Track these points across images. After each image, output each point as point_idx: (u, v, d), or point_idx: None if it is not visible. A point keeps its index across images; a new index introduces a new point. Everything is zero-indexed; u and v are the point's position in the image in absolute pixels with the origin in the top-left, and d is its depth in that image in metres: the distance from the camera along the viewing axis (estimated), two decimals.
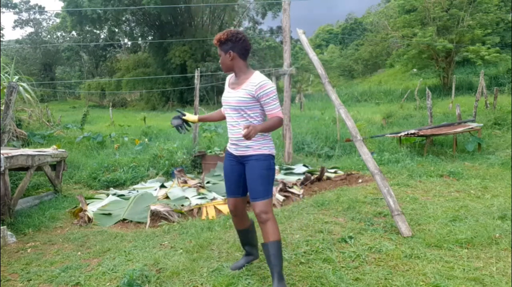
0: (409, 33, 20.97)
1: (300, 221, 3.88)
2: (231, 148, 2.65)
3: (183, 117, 2.83)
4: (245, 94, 2.47)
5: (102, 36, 40.72)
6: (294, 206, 4.53)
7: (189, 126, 2.89)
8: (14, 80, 9.82)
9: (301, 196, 5.08)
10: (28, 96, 10.28)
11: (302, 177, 5.86)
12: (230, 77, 2.68)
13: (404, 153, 7.15)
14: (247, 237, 2.87)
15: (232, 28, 37.32)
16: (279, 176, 5.98)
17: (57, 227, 4.24)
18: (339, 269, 2.79)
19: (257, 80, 2.44)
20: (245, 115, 2.51)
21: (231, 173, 2.67)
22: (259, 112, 2.52)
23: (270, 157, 2.57)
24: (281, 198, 4.89)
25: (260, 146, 2.54)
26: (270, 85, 2.46)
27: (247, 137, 2.23)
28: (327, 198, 4.73)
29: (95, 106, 36.22)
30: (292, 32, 9.04)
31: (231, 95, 2.55)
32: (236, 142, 2.56)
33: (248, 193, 2.62)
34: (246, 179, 2.57)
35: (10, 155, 4.30)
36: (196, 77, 8.05)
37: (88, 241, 3.74)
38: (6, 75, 10.08)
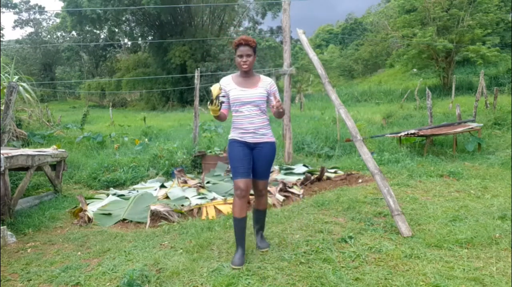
0: (409, 33, 20.96)
1: (300, 221, 3.88)
2: (245, 137, 3.02)
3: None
4: (264, 91, 3.02)
5: (102, 36, 40.73)
6: (294, 206, 4.53)
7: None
8: (14, 80, 9.82)
9: (301, 196, 5.08)
10: (28, 96, 10.28)
11: (302, 177, 5.86)
12: (230, 79, 3.06)
13: (404, 153, 7.15)
14: (244, 227, 3.05)
15: (232, 28, 37.47)
16: (279, 176, 5.98)
17: (57, 227, 4.24)
18: (339, 269, 2.79)
19: (269, 80, 3.10)
20: (262, 107, 3.03)
21: (245, 157, 3.00)
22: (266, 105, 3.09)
23: (275, 145, 3.18)
24: (281, 198, 4.89)
25: (271, 135, 3.11)
26: (275, 84, 3.14)
27: (281, 107, 2.88)
28: (327, 198, 4.73)
29: (95, 106, 36.23)
30: (292, 32, 9.04)
31: (249, 93, 2.98)
32: (255, 131, 3.01)
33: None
34: (258, 163, 3.05)
35: (10, 155, 4.30)
36: (196, 77, 8.05)
37: (88, 241, 3.74)
38: (6, 75, 10.08)
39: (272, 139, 3.10)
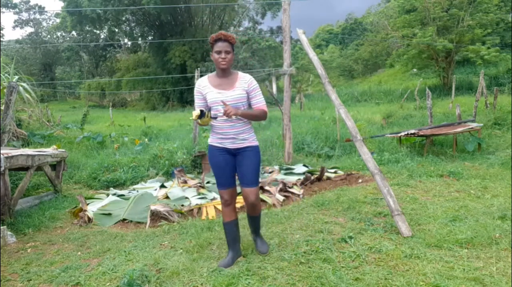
0: (409, 33, 20.96)
1: (300, 221, 3.88)
2: (224, 143, 2.86)
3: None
4: (242, 91, 2.79)
5: (102, 36, 40.72)
6: (294, 206, 4.53)
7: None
8: (14, 80, 9.82)
9: (301, 196, 5.08)
10: (28, 96, 10.28)
11: (302, 177, 5.86)
12: (206, 80, 2.85)
13: (404, 153, 7.14)
14: (235, 229, 3.03)
15: (232, 28, 37.45)
16: (279, 176, 5.98)
17: (57, 227, 4.24)
18: (339, 269, 2.79)
19: (247, 77, 2.84)
20: (243, 108, 2.80)
21: (226, 166, 2.89)
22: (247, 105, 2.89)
23: (259, 149, 2.99)
24: (281, 198, 4.89)
25: (253, 138, 2.92)
26: (255, 82, 2.89)
27: (227, 113, 2.58)
28: (327, 198, 4.73)
29: (95, 106, 36.23)
30: (292, 32, 9.04)
31: (227, 95, 2.76)
32: (235, 136, 2.82)
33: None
34: (242, 169, 2.87)
35: (10, 155, 4.30)
36: (196, 77, 8.06)
37: (88, 241, 3.74)
38: (6, 75, 10.08)
39: (255, 143, 2.91)
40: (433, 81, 22.92)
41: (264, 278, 2.70)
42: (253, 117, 2.82)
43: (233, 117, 2.66)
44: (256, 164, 2.89)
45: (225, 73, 2.81)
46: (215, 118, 2.75)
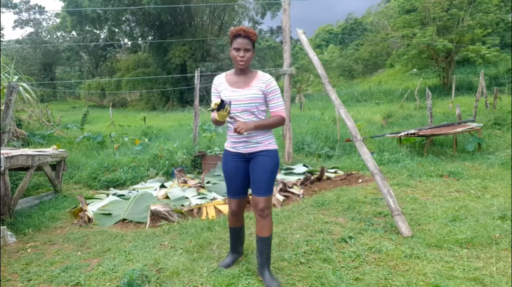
0: (409, 33, 20.97)
1: (300, 221, 3.88)
2: (237, 147, 2.62)
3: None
4: (258, 91, 2.56)
5: (102, 36, 40.74)
6: (294, 206, 4.53)
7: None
8: (14, 80, 9.82)
9: (301, 196, 5.08)
10: (28, 96, 10.27)
11: (302, 177, 5.86)
12: (223, 77, 2.68)
13: (404, 153, 7.14)
14: (240, 235, 2.93)
15: (232, 28, 37.42)
16: (279, 176, 5.99)
17: (57, 227, 4.24)
18: (339, 269, 2.79)
19: (266, 77, 2.59)
20: (256, 111, 2.58)
21: (237, 174, 2.66)
22: (265, 108, 2.64)
23: (277, 153, 2.67)
24: (281, 198, 4.89)
25: (270, 141, 2.63)
26: (275, 83, 2.63)
27: (238, 131, 2.40)
28: (327, 198, 4.73)
29: (95, 106, 36.24)
30: (292, 32, 9.04)
31: (241, 94, 2.55)
32: (246, 139, 2.58)
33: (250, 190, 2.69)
34: (253, 175, 2.59)
35: (10, 155, 4.30)
36: (196, 77, 8.05)
37: (88, 241, 3.74)
38: (6, 75, 10.07)
39: (271, 147, 2.62)
40: (433, 81, 22.92)
41: None
42: (270, 126, 2.58)
43: (245, 133, 2.46)
44: (270, 170, 2.58)
45: (243, 71, 2.61)
46: (231, 117, 2.54)
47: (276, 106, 2.60)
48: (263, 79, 2.58)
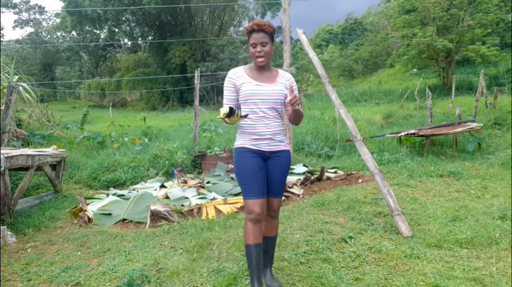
0: (409, 33, 20.97)
1: (300, 221, 3.88)
2: (259, 145, 2.43)
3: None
4: (283, 88, 2.44)
5: (102, 36, 40.72)
6: (294, 206, 4.53)
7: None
8: (14, 80, 9.82)
9: (301, 196, 5.08)
10: (28, 96, 10.27)
11: (302, 177, 5.86)
12: (242, 70, 2.46)
13: (404, 153, 7.15)
14: (259, 256, 2.41)
15: (232, 28, 37.47)
16: None
17: (57, 227, 4.24)
18: (339, 269, 2.79)
19: (289, 76, 2.51)
20: (279, 109, 2.48)
21: (259, 171, 2.41)
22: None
23: None
24: None
25: (286, 141, 2.56)
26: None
27: (295, 102, 2.27)
28: (327, 198, 4.73)
29: (95, 106, 36.23)
30: (292, 32, 9.02)
31: (268, 89, 2.39)
32: (271, 136, 2.43)
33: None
34: (273, 176, 2.47)
35: (10, 155, 4.30)
36: (196, 77, 8.05)
37: (88, 241, 3.74)
38: (6, 75, 10.07)
39: (288, 147, 2.57)
40: (433, 81, 22.92)
41: None
42: (300, 117, 2.51)
43: (296, 106, 2.34)
44: (287, 172, 2.56)
45: (263, 68, 2.45)
46: (245, 116, 2.28)
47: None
48: (286, 77, 2.49)
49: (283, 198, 4.91)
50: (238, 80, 2.41)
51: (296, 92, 2.41)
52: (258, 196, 2.36)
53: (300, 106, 2.40)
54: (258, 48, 2.36)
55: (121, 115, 23.27)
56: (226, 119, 2.19)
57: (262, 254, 2.46)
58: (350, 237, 3.33)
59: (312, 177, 5.77)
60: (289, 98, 2.31)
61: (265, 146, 2.44)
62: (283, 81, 2.46)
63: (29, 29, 57.36)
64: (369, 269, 2.77)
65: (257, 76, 2.43)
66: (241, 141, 2.47)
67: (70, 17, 31.48)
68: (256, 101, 2.38)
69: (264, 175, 2.43)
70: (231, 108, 2.17)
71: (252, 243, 2.33)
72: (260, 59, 2.37)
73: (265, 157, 2.47)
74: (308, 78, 30.15)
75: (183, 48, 30.66)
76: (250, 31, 2.37)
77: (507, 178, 5.41)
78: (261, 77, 2.42)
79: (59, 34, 46.86)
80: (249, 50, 2.43)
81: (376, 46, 31.75)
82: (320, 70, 4.32)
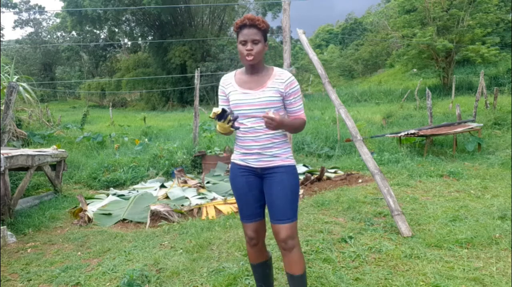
0: (409, 33, 20.97)
1: (300, 221, 3.88)
2: (247, 160, 2.12)
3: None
4: (275, 93, 2.05)
5: (102, 36, 40.77)
6: None
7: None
8: (14, 80, 9.82)
9: (301, 196, 5.08)
10: (28, 96, 10.27)
11: (302, 177, 5.86)
12: (232, 76, 2.18)
13: (404, 153, 7.15)
14: (265, 274, 2.30)
15: (232, 28, 37.39)
16: None
17: (57, 227, 4.24)
18: (339, 269, 2.79)
19: (285, 76, 2.07)
20: None
21: (249, 191, 2.14)
22: (284, 113, 2.15)
23: (297, 170, 2.17)
24: None
25: (288, 155, 2.12)
26: (296, 83, 2.11)
27: (270, 125, 1.92)
28: (327, 198, 4.73)
29: (95, 106, 36.26)
30: (292, 32, 9.01)
31: (254, 97, 2.05)
32: (260, 151, 2.08)
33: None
34: (271, 197, 2.09)
35: (10, 155, 4.30)
36: (196, 77, 8.05)
37: (88, 241, 3.74)
38: (6, 75, 10.07)
39: (289, 161, 2.11)
40: (433, 81, 22.92)
41: None
42: (296, 129, 2.13)
43: (275, 130, 2.01)
44: (291, 190, 2.08)
45: (254, 69, 2.10)
46: (236, 128, 2.05)
47: (297, 110, 2.14)
48: (281, 78, 2.06)
49: None
50: (227, 88, 2.17)
51: (297, 96, 2.08)
52: (250, 219, 2.17)
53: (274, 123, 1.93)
54: (249, 46, 2.01)
55: (121, 115, 23.28)
56: (217, 121, 2.00)
57: (269, 272, 2.33)
58: (350, 237, 3.33)
59: (312, 177, 5.77)
60: (264, 114, 1.94)
61: (253, 162, 2.11)
62: (277, 84, 2.05)
63: (29, 29, 57.38)
64: (369, 269, 2.77)
65: (245, 82, 2.11)
66: (233, 155, 2.23)
67: (70, 17, 31.51)
68: (243, 111, 2.07)
69: (255, 196, 2.15)
70: (224, 110, 1.97)
71: (252, 262, 2.27)
72: (249, 58, 2.01)
73: (258, 174, 2.14)
74: (308, 78, 30.17)
75: (183, 48, 30.68)
76: (240, 27, 2.04)
77: (507, 178, 5.41)
78: (249, 83, 2.10)
79: (59, 34, 46.87)
80: (238, 48, 2.08)
81: (376, 46, 31.76)
82: (320, 70, 4.32)
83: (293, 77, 2.10)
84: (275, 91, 2.05)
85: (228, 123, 1.99)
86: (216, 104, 27.55)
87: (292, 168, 2.12)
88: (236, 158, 2.20)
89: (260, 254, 2.24)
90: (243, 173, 2.15)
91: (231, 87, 2.14)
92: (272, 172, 2.09)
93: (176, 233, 3.79)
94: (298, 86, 2.12)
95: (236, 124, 2.04)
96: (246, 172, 2.15)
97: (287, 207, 2.05)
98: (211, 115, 1.98)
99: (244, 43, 2.02)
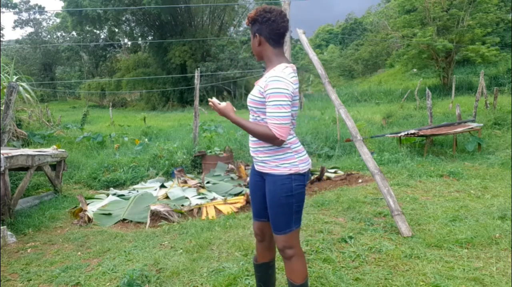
0: (409, 33, 20.99)
1: None
2: (254, 162, 2.09)
3: None
4: (258, 93, 1.89)
5: (102, 36, 40.79)
6: None
7: None
8: (14, 80, 9.82)
9: None
10: (28, 96, 10.27)
11: None
12: None
13: (404, 153, 7.15)
14: (266, 275, 2.26)
15: (232, 28, 37.46)
16: None
17: (57, 227, 4.24)
18: (339, 269, 2.79)
19: (269, 75, 1.83)
20: (259, 119, 1.93)
21: (255, 191, 2.11)
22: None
23: (293, 178, 1.92)
24: None
25: (278, 163, 1.91)
26: (278, 85, 1.78)
27: (214, 109, 1.96)
28: (327, 198, 4.73)
29: (95, 106, 36.27)
30: (292, 32, 9.03)
31: (249, 97, 1.99)
32: (253, 154, 2.01)
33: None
34: (268, 201, 2.01)
35: (10, 155, 4.30)
36: (196, 77, 8.05)
37: (88, 241, 3.74)
38: (6, 75, 10.07)
39: (277, 170, 1.91)
40: (433, 81, 22.92)
41: None
42: (253, 134, 1.86)
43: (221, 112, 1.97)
44: (279, 203, 1.93)
45: (266, 66, 1.98)
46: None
47: (269, 117, 1.81)
48: (268, 76, 1.84)
49: None
50: None
51: (269, 100, 1.79)
52: (256, 217, 2.16)
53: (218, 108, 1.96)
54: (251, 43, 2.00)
55: (121, 115, 23.28)
56: None
57: (271, 274, 2.29)
58: (350, 237, 3.33)
59: (312, 177, 5.77)
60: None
61: (255, 163, 2.06)
62: (262, 83, 1.87)
63: (29, 29, 57.47)
64: (369, 269, 2.77)
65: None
66: None
67: (70, 17, 31.53)
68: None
69: (261, 197, 2.07)
70: None
71: (255, 261, 2.26)
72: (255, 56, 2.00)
73: (263, 176, 2.04)
74: (308, 78, 30.18)
75: (183, 48, 30.69)
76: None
77: (507, 178, 5.41)
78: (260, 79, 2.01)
79: (59, 34, 46.89)
80: None
81: (376, 46, 31.78)
82: (320, 70, 4.32)
83: (276, 77, 1.79)
84: (258, 90, 1.89)
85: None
86: None
87: (281, 177, 1.90)
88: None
89: (266, 252, 2.20)
90: (254, 173, 2.11)
91: None
92: (266, 178, 1.99)
93: (176, 233, 3.79)
94: (277, 91, 1.78)
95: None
96: (256, 171, 2.09)
97: (277, 221, 1.97)
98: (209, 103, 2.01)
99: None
